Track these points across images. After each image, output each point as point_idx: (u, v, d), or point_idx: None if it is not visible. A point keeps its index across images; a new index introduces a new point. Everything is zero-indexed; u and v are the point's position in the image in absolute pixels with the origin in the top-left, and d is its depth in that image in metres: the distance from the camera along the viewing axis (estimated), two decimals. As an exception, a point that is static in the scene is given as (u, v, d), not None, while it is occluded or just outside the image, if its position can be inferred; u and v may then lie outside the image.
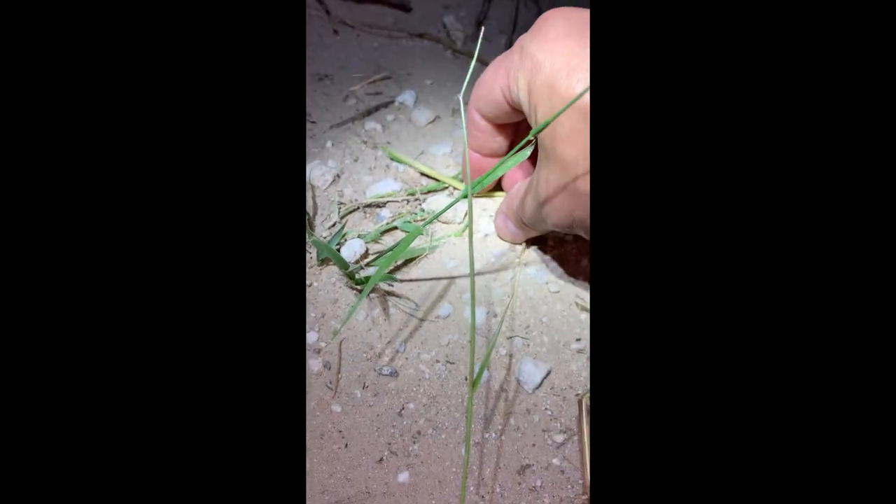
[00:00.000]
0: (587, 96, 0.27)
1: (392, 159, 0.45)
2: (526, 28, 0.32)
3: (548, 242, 0.41)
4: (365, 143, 0.46)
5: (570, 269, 0.40)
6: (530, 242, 0.41)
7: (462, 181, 0.44)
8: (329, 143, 0.46)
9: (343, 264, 0.36)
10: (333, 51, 0.54)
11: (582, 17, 0.29)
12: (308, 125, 0.47)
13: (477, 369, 0.31)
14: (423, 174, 0.45)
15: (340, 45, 0.54)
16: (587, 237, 0.32)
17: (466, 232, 0.41)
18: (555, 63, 0.28)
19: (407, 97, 0.50)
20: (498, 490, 0.31)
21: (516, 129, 0.38)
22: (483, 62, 0.53)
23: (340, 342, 0.36)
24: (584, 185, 0.29)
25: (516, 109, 0.33)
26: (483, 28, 0.55)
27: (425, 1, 0.58)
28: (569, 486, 0.31)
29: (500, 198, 0.43)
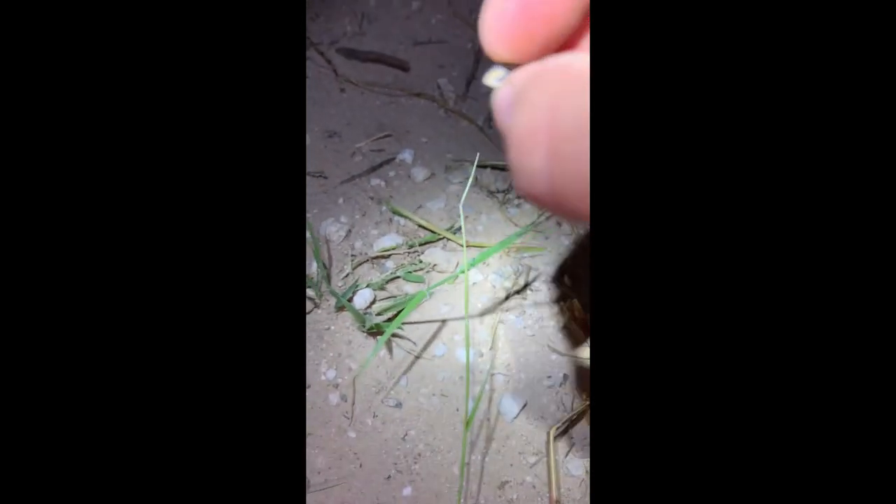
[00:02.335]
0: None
1: (394, 213, 0.53)
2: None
3: (526, 291, 0.49)
4: (371, 198, 0.54)
5: (545, 314, 0.48)
6: (511, 293, 0.49)
7: (454, 233, 0.52)
8: (341, 200, 0.53)
9: (359, 317, 0.44)
10: (341, 108, 0.61)
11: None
12: (321, 181, 0.55)
13: (471, 408, 0.39)
14: (420, 226, 0.52)
15: (346, 103, 0.61)
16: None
17: (457, 280, 0.49)
18: None
19: (406, 155, 0.57)
20: (482, 502, 0.39)
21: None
22: (472, 122, 0.60)
23: (354, 379, 0.43)
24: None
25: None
26: (471, 88, 0.63)
27: (422, 61, 0.65)
28: (539, 499, 0.39)
29: (488, 249, 0.50)
